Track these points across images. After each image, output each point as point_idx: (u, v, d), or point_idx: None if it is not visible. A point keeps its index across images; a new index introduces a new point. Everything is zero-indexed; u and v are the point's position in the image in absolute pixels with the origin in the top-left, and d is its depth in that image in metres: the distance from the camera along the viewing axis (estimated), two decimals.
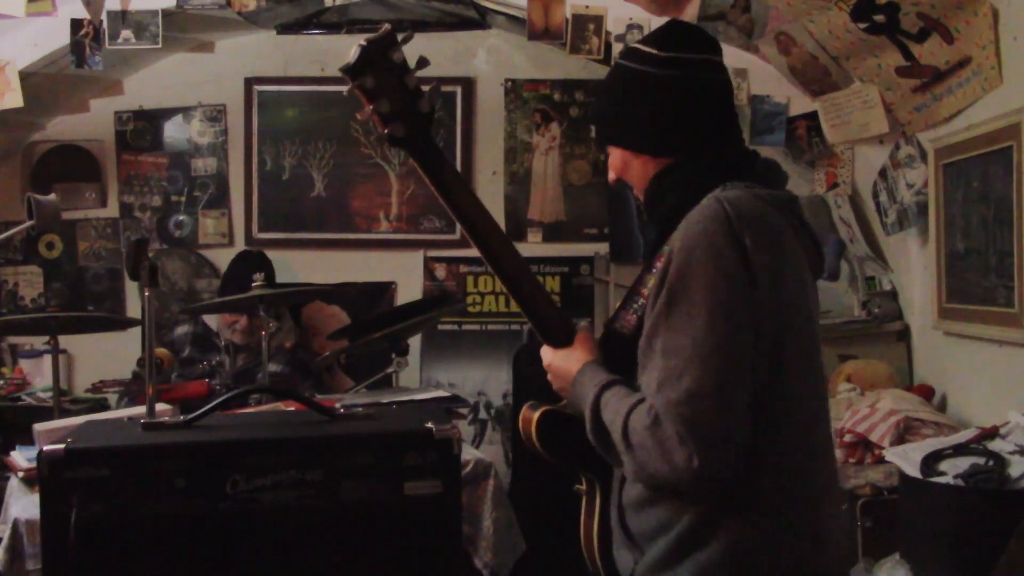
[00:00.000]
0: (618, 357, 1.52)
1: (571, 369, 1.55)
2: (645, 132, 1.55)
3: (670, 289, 1.38)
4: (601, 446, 1.47)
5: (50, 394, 3.84)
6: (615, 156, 1.61)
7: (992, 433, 2.50)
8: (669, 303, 1.38)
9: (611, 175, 1.65)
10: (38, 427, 2.60)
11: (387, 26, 1.50)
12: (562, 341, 1.60)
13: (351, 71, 1.49)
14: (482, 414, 4.54)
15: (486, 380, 4.55)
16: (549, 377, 1.61)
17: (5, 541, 2.25)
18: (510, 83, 4.61)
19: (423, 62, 1.55)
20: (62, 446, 1.74)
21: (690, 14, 3.46)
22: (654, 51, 1.54)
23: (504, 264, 1.60)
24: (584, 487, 1.65)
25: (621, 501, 1.52)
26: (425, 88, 1.58)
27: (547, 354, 1.62)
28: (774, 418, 1.40)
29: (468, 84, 4.62)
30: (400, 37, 1.52)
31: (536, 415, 1.60)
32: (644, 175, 1.57)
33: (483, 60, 4.62)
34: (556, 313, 1.63)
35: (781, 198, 1.51)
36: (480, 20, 4.48)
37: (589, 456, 1.52)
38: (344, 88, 1.54)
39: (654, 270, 1.48)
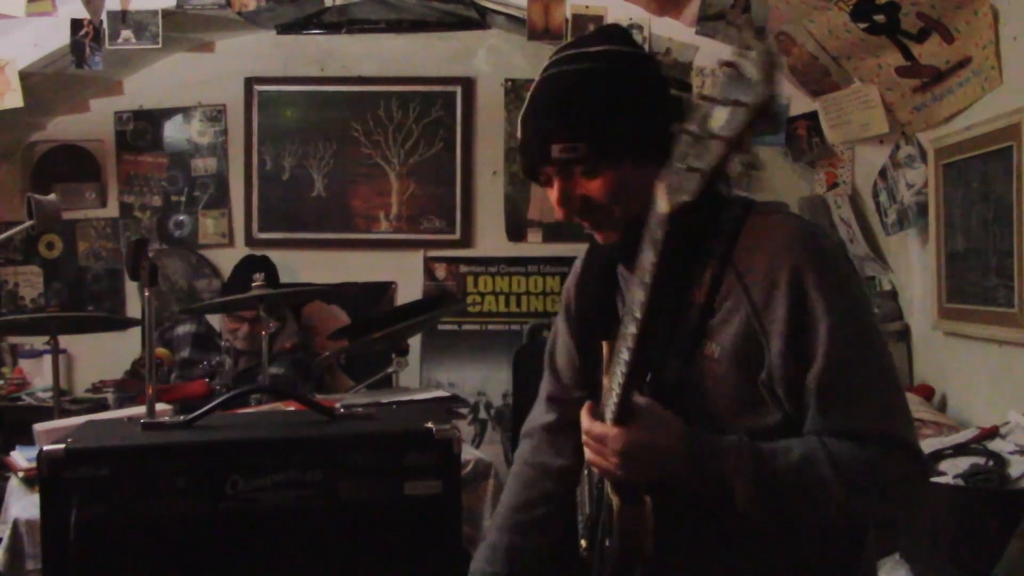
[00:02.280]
0: (687, 411, 1.28)
1: (666, 442, 1.24)
2: (654, 135, 1.30)
3: (838, 314, 1.24)
4: (771, 512, 1.24)
5: (50, 394, 3.85)
6: (611, 178, 1.33)
7: (992, 433, 2.50)
8: (843, 328, 1.24)
9: (562, 211, 1.37)
10: (38, 427, 2.60)
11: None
12: (622, 414, 1.25)
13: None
14: (482, 414, 4.55)
15: (486, 380, 4.55)
16: (620, 460, 1.25)
17: (5, 541, 2.25)
18: (510, 83, 4.61)
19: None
20: (62, 446, 1.73)
21: (690, 14, 3.46)
22: (632, 50, 1.39)
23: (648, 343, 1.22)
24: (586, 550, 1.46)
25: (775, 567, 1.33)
26: None
27: (620, 435, 1.24)
28: None
29: (468, 84, 4.62)
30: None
31: (648, 507, 1.27)
32: (644, 191, 1.20)
33: (483, 60, 4.62)
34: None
35: None
36: (480, 20, 4.48)
37: None
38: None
39: (694, 303, 1.30)
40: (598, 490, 1.40)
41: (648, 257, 1.10)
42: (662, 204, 1.07)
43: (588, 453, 1.30)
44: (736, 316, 1.28)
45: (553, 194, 1.38)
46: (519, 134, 1.41)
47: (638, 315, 1.14)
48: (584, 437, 1.30)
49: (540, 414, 1.68)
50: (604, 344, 1.33)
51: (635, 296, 1.15)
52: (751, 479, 1.22)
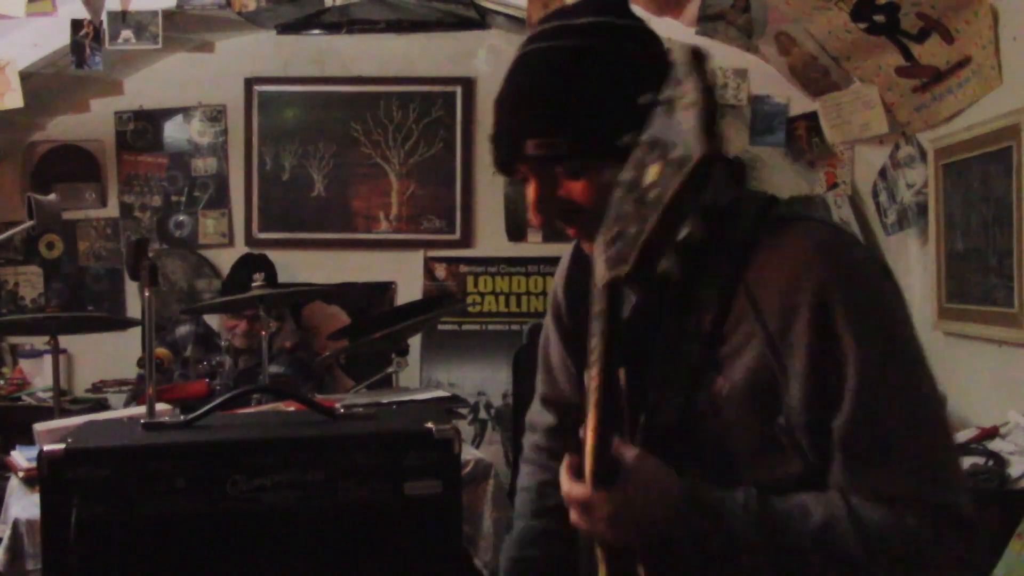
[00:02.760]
0: (691, 459, 1.09)
1: (659, 507, 1.02)
2: (627, 127, 1.02)
3: (870, 347, 1.03)
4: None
5: (50, 394, 3.85)
6: (597, 180, 1.11)
7: (992, 433, 2.50)
8: (878, 365, 1.03)
9: (538, 217, 1.15)
10: (38, 427, 2.60)
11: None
12: (604, 473, 1.01)
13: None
14: (482, 414, 4.54)
15: (486, 380, 4.55)
16: (607, 527, 1.02)
17: (5, 541, 2.25)
18: None
19: None
20: (62, 446, 1.73)
21: (690, 14, 3.46)
22: (628, 22, 1.16)
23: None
24: None
25: None
26: None
27: (604, 501, 1.00)
28: None
29: (468, 84, 4.62)
30: None
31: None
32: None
33: (483, 60, 4.62)
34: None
35: None
36: (480, 20, 4.48)
37: None
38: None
39: (700, 330, 1.10)
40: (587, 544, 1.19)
41: (594, 341, 0.93)
42: (600, 272, 0.90)
43: (573, 515, 1.06)
44: (749, 347, 1.07)
45: (529, 194, 1.16)
46: (492, 122, 1.21)
47: (594, 396, 0.96)
48: (565, 500, 1.07)
49: (538, 412, 1.54)
50: (587, 374, 1.04)
51: (589, 379, 0.96)
52: (760, 550, 1.02)
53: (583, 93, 1.10)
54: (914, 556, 1.02)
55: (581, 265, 1.36)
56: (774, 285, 1.06)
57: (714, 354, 1.09)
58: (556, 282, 1.48)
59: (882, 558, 1.02)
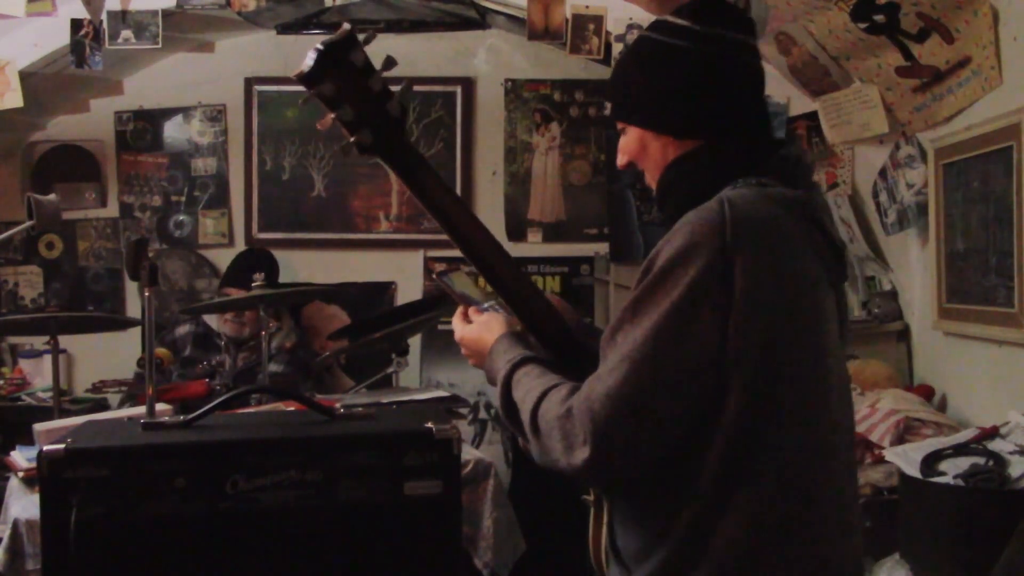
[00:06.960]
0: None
1: (486, 341, 1.56)
2: (671, 110, 1.42)
3: (644, 287, 1.29)
4: (510, 423, 1.45)
5: (50, 394, 3.85)
6: (631, 137, 1.47)
7: (992, 433, 2.50)
8: (636, 301, 1.29)
9: (622, 159, 1.51)
10: (38, 427, 2.60)
11: (345, 27, 1.38)
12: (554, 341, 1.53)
13: (307, 79, 1.37)
14: (482, 414, 4.54)
15: (486, 380, 4.54)
16: (464, 351, 1.62)
17: (5, 541, 2.25)
18: (510, 83, 4.61)
19: (390, 62, 1.42)
20: (62, 446, 1.74)
21: None
22: (690, 24, 1.41)
23: (497, 272, 1.56)
24: (592, 498, 1.55)
25: (612, 518, 1.44)
26: (395, 88, 1.49)
27: (459, 327, 1.62)
28: (761, 442, 1.29)
29: (468, 84, 4.62)
30: (361, 37, 1.41)
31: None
32: (662, 160, 1.44)
33: (483, 60, 4.62)
34: (554, 317, 1.55)
35: (794, 198, 1.36)
36: (480, 20, 4.49)
37: None
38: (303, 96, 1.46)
39: None
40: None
41: None
42: None
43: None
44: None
45: None
46: None
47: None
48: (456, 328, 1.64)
49: None
50: None
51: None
52: (502, 382, 1.46)
53: (629, 72, 1.48)
54: (544, 428, 1.33)
55: None
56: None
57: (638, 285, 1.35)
58: None
59: (534, 420, 1.35)
